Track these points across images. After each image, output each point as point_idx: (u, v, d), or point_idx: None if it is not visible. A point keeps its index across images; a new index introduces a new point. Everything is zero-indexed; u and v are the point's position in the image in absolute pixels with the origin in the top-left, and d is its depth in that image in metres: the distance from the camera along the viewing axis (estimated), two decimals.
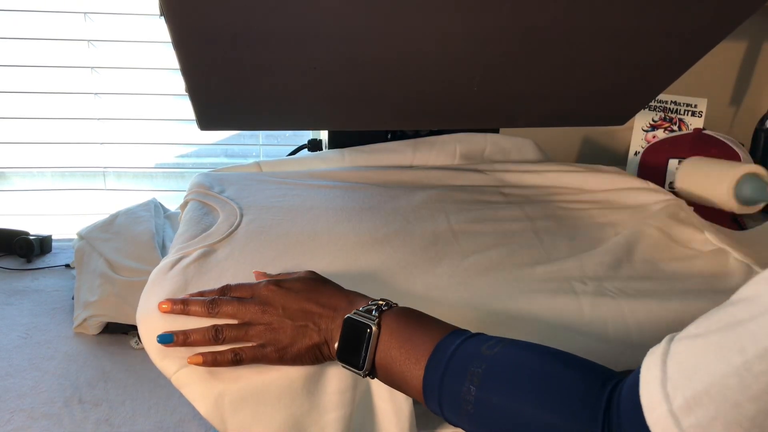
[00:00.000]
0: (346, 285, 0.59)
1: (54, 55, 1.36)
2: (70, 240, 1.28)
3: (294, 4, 0.65)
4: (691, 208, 0.89)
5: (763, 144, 1.30)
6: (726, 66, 1.48)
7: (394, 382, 0.52)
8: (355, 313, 0.53)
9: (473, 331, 0.51)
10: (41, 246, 1.28)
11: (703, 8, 0.73)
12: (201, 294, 0.60)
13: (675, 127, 1.38)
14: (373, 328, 0.51)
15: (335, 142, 1.11)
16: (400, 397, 0.57)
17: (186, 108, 1.26)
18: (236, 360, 0.55)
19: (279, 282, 0.58)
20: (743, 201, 0.91)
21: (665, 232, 0.82)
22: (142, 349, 0.97)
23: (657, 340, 0.39)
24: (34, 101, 1.39)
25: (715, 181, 0.93)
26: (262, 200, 0.85)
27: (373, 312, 0.52)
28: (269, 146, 1.55)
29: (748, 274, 0.74)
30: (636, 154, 1.40)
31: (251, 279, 0.62)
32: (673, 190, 1.00)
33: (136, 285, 1.03)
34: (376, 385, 0.58)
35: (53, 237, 1.32)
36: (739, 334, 0.34)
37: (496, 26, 0.72)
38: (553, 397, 0.42)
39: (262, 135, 1.54)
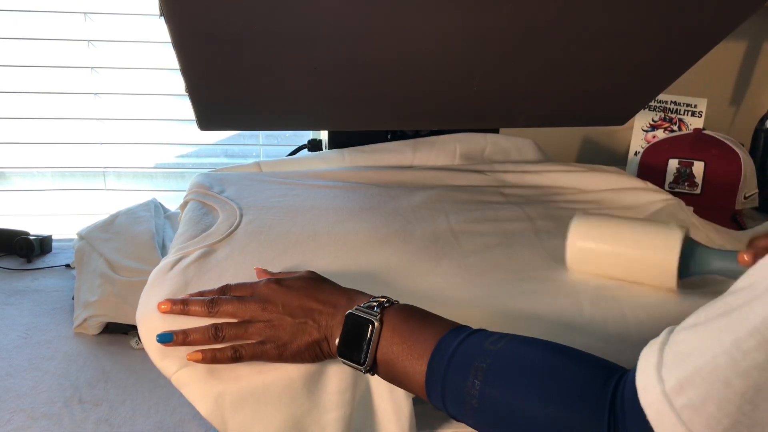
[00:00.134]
0: (346, 285, 0.59)
1: (54, 55, 1.36)
2: (70, 240, 1.28)
3: (294, 4, 0.65)
4: (691, 209, 0.89)
5: (763, 144, 1.31)
6: (726, 66, 1.48)
7: (395, 378, 0.52)
8: (356, 309, 0.53)
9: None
10: (41, 246, 1.28)
11: (702, 8, 0.73)
12: (201, 294, 0.60)
13: (675, 127, 1.38)
14: (376, 323, 0.51)
15: (335, 142, 1.11)
16: (400, 396, 0.57)
17: (186, 108, 1.26)
18: (236, 357, 0.55)
19: (279, 280, 0.58)
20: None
21: None
22: (142, 349, 0.97)
23: None
24: (34, 101, 1.39)
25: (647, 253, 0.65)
26: (262, 200, 0.86)
27: (375, 308, 0.53)
28: (269, 146, 1.55)
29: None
30: (636, 154, 1.40)
31: (251, 279, 0.62)
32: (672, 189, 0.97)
33: (136, 285, 1.03)
34: (376, 385, 0.58)
35: (53, 237, 1.32)
36: (733, 318, 0.34)
37: (496, 26, 0.72)
38: (558, 391, 0.42)
39: (262, 135, 1.54)
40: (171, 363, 0.56)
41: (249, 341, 0.55)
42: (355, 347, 0.52)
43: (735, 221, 1.19)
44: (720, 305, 0.36)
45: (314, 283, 0.58)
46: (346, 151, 1.03)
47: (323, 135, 1.17)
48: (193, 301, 0.58)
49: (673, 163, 1.29)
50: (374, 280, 0.67)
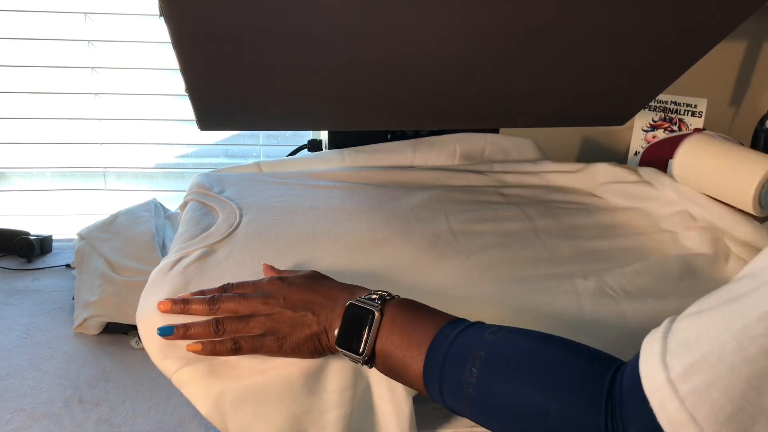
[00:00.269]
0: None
1: (54, 55, 1.36)
2: (71, 240, 1.28)
3: (294, 4, 0.65)
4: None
5: (763, 144, 1.30)
6: (726, 66, 1.48)
7: (393, 369, 0.52)
8: (357, 300, 0.54)
9: None
10: (41, 246, 1.28)
11: (703, 8, 0.73)
12: (201, 293, 0.60)
13: (675, 127, 1.38)
14: (376, 313, 0.52)
15: (335, 142, 1.11)
16: (401, 396, 0.57)
17: (186, 108, 1.26)
18: (235, 349, 0.55)
19: (282, 278, 0.59)
20: None
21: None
22: (142, 349, 0.97)
23: None
24: (34, 101, 1.39)
25: (734, 175, 0.78)
26: (262, 200, 0.86)
27: (376, 300, 0.53)
28: (269, 146, 1.55)
29: None
30: (636, 154, 1.40)
31: (251, 279, 0.62)
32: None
33: (136, 285, 1.03)
34: (377, 384, 0.58)
35: (53, 237, 1.32)
36: (742, 304, 0.34)
37: (496, 26, 0.72)
38: (555, 380, 0.42)
39: (262, 135, 1.54)
40: (171, 363, 0.56)
41: (249, 334, 0.56)
42: (355, 337, 0.52)
43: None
44: (724, 293, 0.36)
45: (316, 279, 0.59)
46: (346, 151, 1.03)
47: (323, 135, 1.17)
48: (193, 300, 0.58)
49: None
50: (374, 280, 0.67)
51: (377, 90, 0.84)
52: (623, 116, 1.00)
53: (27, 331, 1.03)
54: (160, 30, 1.32)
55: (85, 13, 1.33)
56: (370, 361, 0.53)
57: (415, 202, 0.88)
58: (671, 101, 1.38)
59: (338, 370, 0.57)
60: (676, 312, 0.65)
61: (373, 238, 0.77)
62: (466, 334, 0.48)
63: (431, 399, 0.50)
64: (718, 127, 1.38)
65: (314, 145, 1.18)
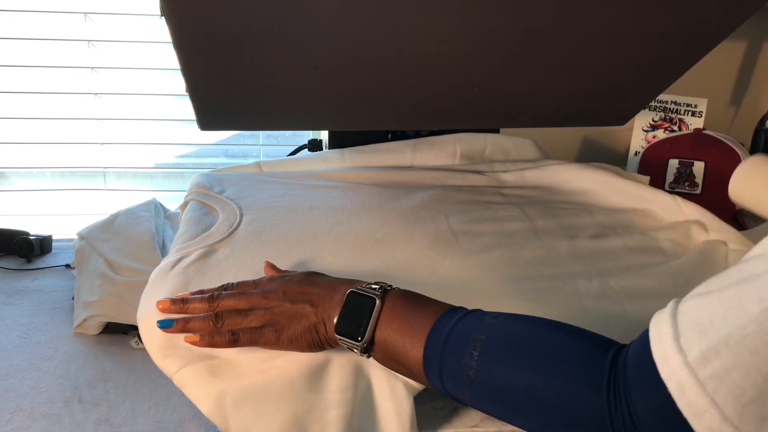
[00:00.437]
0: None
1: (54, 55, 1.36)
2: (70, 240, 1.28)
3: (294, 4, 0.65)
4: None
5: (764, 144, 1.30)
6: (726, 66, 1.48)
7: (392, 357, 0.52)
8: (358, 288, 0.54)
9: None
10: (41, 246, 1.28)
11: (703, 8, 0.73)
12: (201, 292, 0.61)
13: (675, 127, 1.38)
14: (377, 301, 0.52)
15: (335, 142, 1.11)
16: (402, 395, 0.57)
17: (186, 108, 1.26)
18: (233, 340, 0.55)
19: (281, 275, 0.60)
20: None
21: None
22: (142, 349, 0.97)
23: None
24: (34, 101, 1.39)
25: None
26: (262, 200, 0.86)
27: (377, 289, 0.54)
28: (269, 146, 1.55)
29: None
30: (636, 154, 1.40)
31: (252, 278, 0.62)
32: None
33: (136, 285, 1.03)
34: (378, 384, 0.58)
35: (53, 237, 1.32)
36: (757, 285, 0.34)
37: (496, 26, 0.72)
38: (556, 362, 0.42)
39: (262, 135, 1.54)
40: (172, 363, 0.56)
41: (248, 327, 0.56)
42: (355, 323, 0.52)
43: (735, 221, 1.19)
44: (732, 273, 0.36)
45: (316, 274, 0.60)
46: (346, 151, 1.03)
47: (323, 135, 1.17)
48: (192, 299, 0.59)
49: (673, 163, 1.29)
50: (374, 280, 0.67)
51: (377, 90, 0.84)
52: (623, 116, 1.00)
53: (27, 331, 1.02)
54: (161, 30, 1.33)
55: (85, 13, 1.33)
56: (369, 349, 0.53)
57: (415, 202, 0.88)
58: (671, 101, 1.38)
59: (339, 368, 0.57)
60: None
61: (373, 238, 0.77)
62: (467, 321, 0.49)
63: (431, 386, 0.50)
64: (718, 127, 1.38)
65: (314, 145, 1.18)
